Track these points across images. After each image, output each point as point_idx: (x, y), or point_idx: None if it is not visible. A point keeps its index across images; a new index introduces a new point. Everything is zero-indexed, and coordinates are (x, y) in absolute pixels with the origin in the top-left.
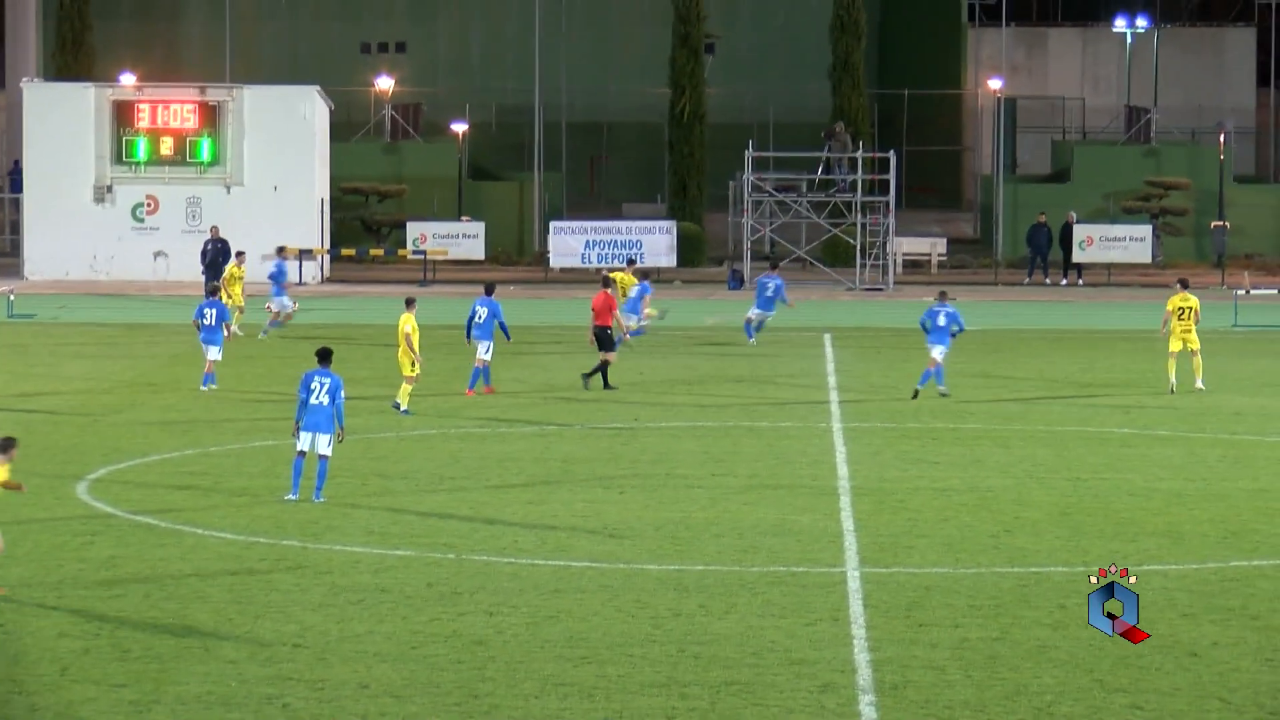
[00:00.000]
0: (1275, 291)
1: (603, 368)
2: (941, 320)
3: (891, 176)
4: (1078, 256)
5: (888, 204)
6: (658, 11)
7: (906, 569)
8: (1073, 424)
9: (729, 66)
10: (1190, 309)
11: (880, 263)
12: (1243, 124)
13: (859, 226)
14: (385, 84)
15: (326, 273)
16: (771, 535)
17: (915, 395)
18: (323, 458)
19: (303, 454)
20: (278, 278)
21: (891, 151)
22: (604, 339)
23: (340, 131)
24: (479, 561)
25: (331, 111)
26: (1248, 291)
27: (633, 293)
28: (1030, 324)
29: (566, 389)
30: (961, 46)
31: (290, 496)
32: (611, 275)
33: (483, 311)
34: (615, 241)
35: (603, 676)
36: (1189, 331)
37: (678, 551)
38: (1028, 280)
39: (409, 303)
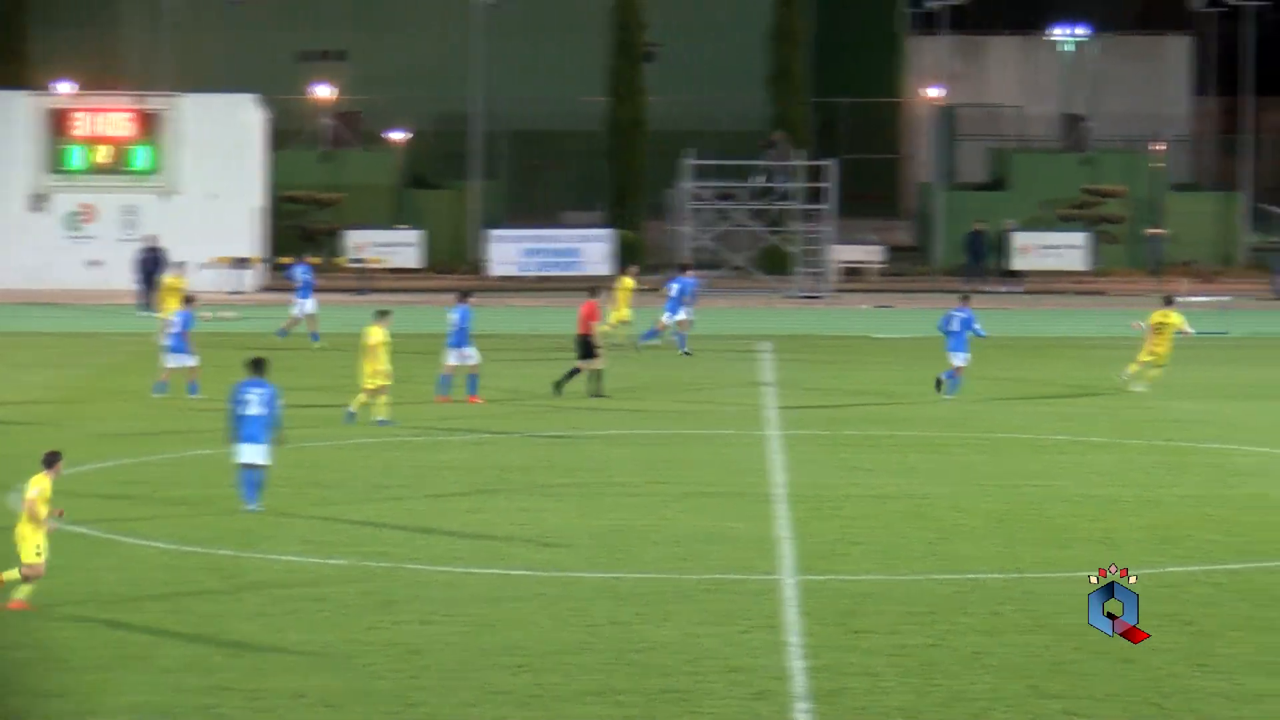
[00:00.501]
0: (1212, 299)
1: (574, 374)
2: (955, 325)
3: (830, 184)
4: (1015, 264)
5: (826, 212)
6: (598, 20)
7: (843, 576)
8: (1009, 430)
9: (669, 75)
10: (1169, 325)
11: (818, 270)
12: (1180, 132)
13: (797, 234)
14: (324, 92)
15: (264, 281)
16: (708, 543)
17: (939, 385)
18: (258, 468)
19: (244, 465)
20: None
21: (830, 160)
22: (585, 347)
23: (279, 140)
24: (415, 570)
25: (270, 120)
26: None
27: (672, 290)
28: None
29: (505, 397)
30: (900, 55)
31: (251, 507)
32: (624, 278)
33: (453, 318)
34: (553, 250)
35: (539, 685)
36: (1160, 347)
37: (615, 560)
38: (965, 288)
39: (380, 315)
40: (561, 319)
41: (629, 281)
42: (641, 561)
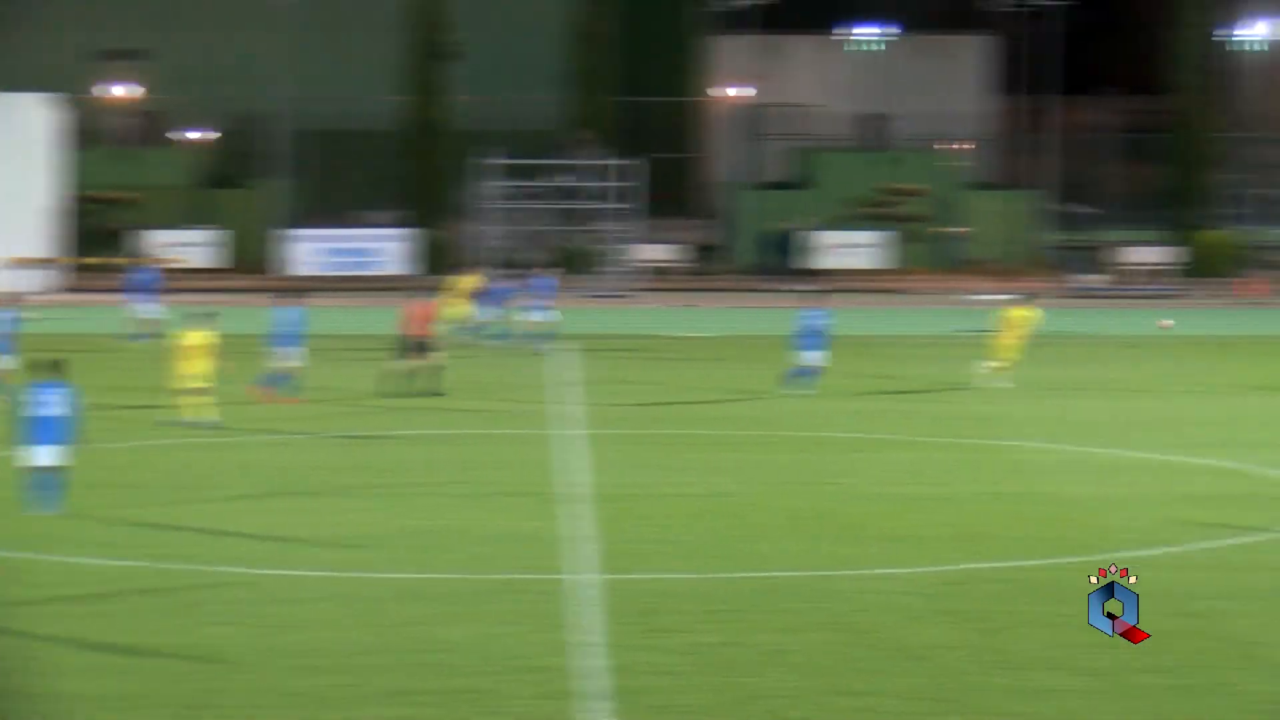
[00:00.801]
0: (1011, 298)
1: (418, 371)
2: (811, 325)
3: (635, 184)
4: (816, 262)
5: (631, 211)
6: (402, 20)
7: (645, 575)
8: (808, 429)
9: (473, 74)
10: (1024, 320)
11: (623, 270)
12: (979, 131)
13: (602, 234)
14: (125, 91)
15: (62, 281)
16: (511, 543)
17: (788, 382)
18: (55, 470)
19: (40, 468)
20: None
21: (634, 159)
22: (418, 346)
23: (78, 139)
24: (215, 572)
25: (69, 119)
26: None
27: (517, 292)
28: (769, 330)
29: (316, 398)
30: (704, 55)
31: (47, 510)
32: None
33: (283, 320)
34: (354, 250)
35: (336, 686)
36: (1013, 344)
37: (415, 560)
38: (767, 286)
39: (201, 318)
40: (363, 319)
41: (469, 280)
42: (443, 562)
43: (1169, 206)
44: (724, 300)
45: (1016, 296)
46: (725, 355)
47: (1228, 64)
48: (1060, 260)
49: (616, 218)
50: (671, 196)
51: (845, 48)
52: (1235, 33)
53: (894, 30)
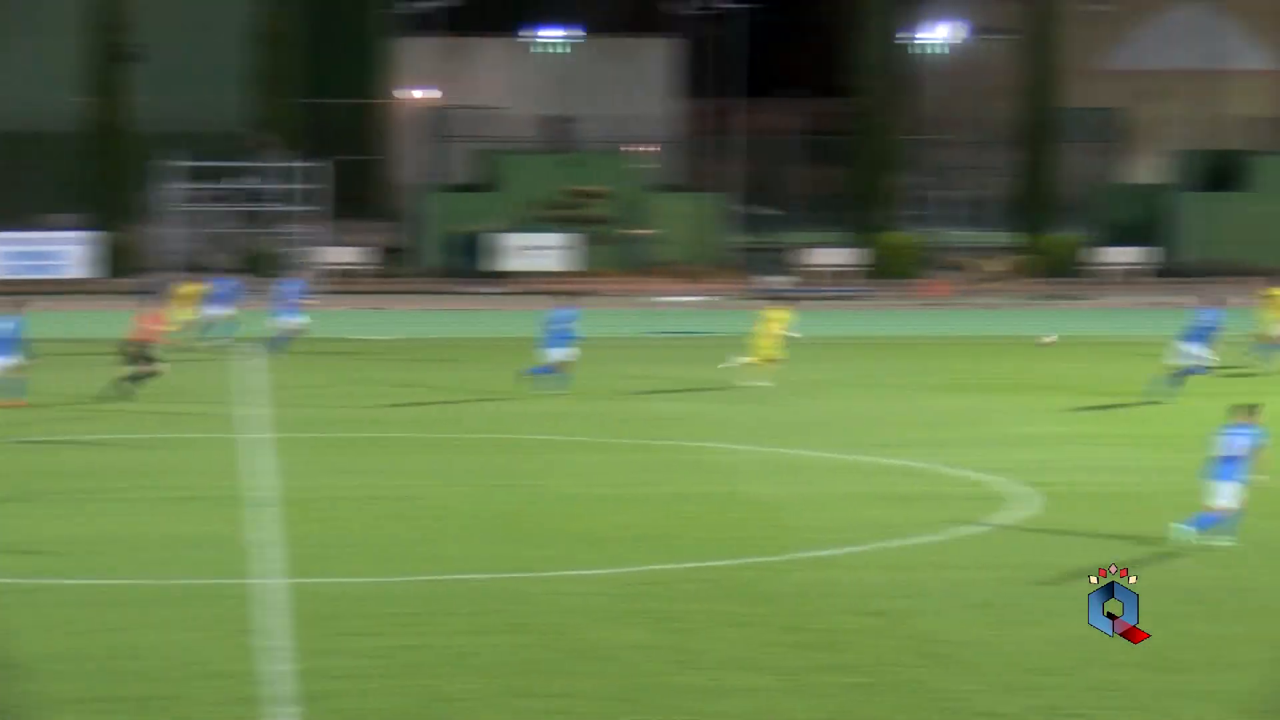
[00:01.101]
0: (696, 299)
1: (140, 376)
2: (558, 323)
3: (320, 186)
4: (503, 264)
5: (316, 213)
6: (81, 20)
7: (331, 579)
8: (494, 430)
9: (155, 75)
10: (779, 320)
11: (309, 273)
12: (665, 134)
13: (288, 236)
14: None
15: None
16: (197, 548)
17: (532, 379)
18: None
19: None
20: None
21: (320, 161)
22: (142, 353)
23: None
24: None
25: None
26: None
27: (280, 294)
28: (458, 332)
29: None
30: (389, 57)
31: None
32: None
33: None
34: (33, 253)
35: (24, 693)
36: (770, 343)
37: (102, 566)
38: (455, 289)
39: None
40: (41, 323)
41: (190, 288)
42: (130, 568)
43: (852, 208)
44: (411, 303)
45: (775, 295)
46: (418, 357)
47: (910, 67)
48: (746, 262)
49: (301, 220)
50: (358, 199)
51: (531, 50)
52: (917, 36)
53: (579, 33)
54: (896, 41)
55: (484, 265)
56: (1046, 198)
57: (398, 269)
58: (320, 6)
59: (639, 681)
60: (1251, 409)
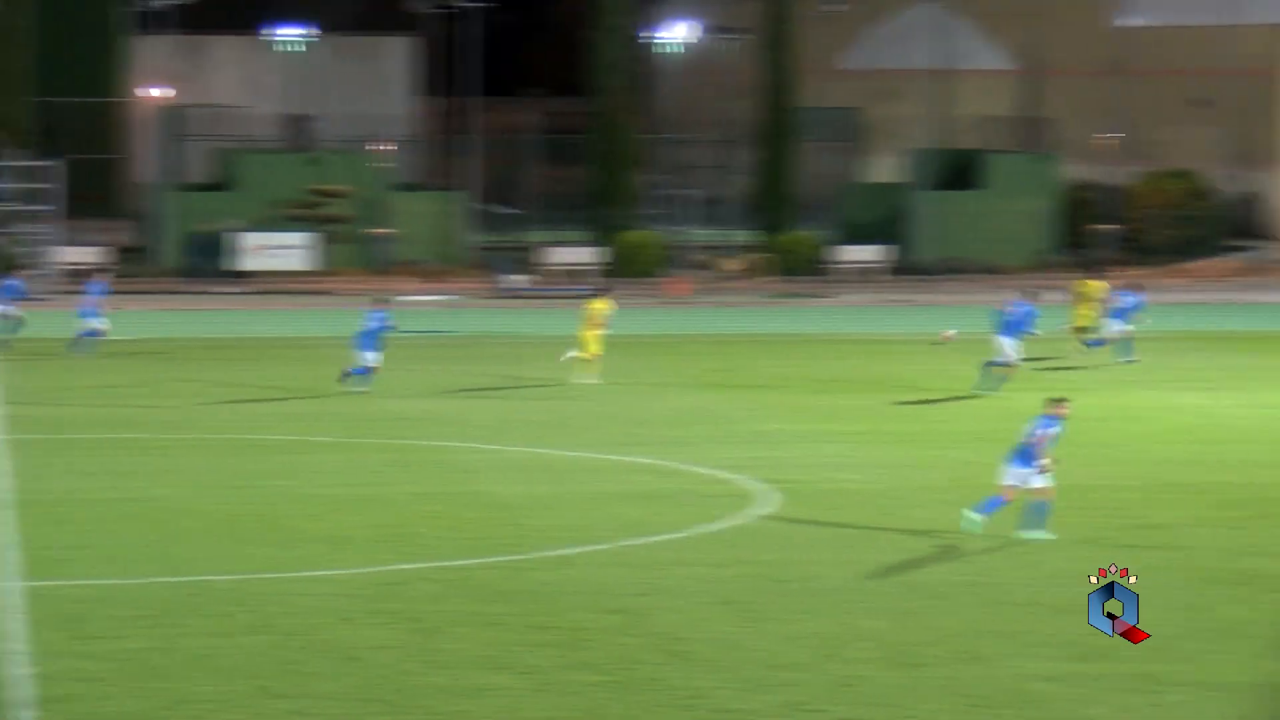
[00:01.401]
0: (438, 298)
1: None
2: (371, 324)
3: (52, 186)
4: (243, 264)
5: (49, 213)
6: None
7: (70, 582)
8: (235, 431)
9: None
10: (600, 312)
11: (42, 273)
12: (404, 132)
13: (19, 236)
14: None
15: None
16: None
17: (345, 378)
18: None
19: None
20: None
21: (52, 160)
22: None
23: None
24: None
25: None
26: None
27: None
28: (199, 332)
29: None
30: (124, 55)
31: None
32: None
33: None
34: None
35: None
36: (594, 336)
37: None
38: (195, 288)
39: None
40: None
41: None
42: None
43: (592, 207)
44: (146, 303)
45: (593, 289)
46: (151, 358)
47: (648, 66)
48: (487, 261)
49: (35, 220)
50: (94, 198)
51: (267, 48)
52: (656, 35)
53: (317, 31)
54: (634, 41)
55: (224, 265)
56: (785, 196)
57: (135, 269)
58: (55, 3)
59: (385, 682)
60: (1058, 401)
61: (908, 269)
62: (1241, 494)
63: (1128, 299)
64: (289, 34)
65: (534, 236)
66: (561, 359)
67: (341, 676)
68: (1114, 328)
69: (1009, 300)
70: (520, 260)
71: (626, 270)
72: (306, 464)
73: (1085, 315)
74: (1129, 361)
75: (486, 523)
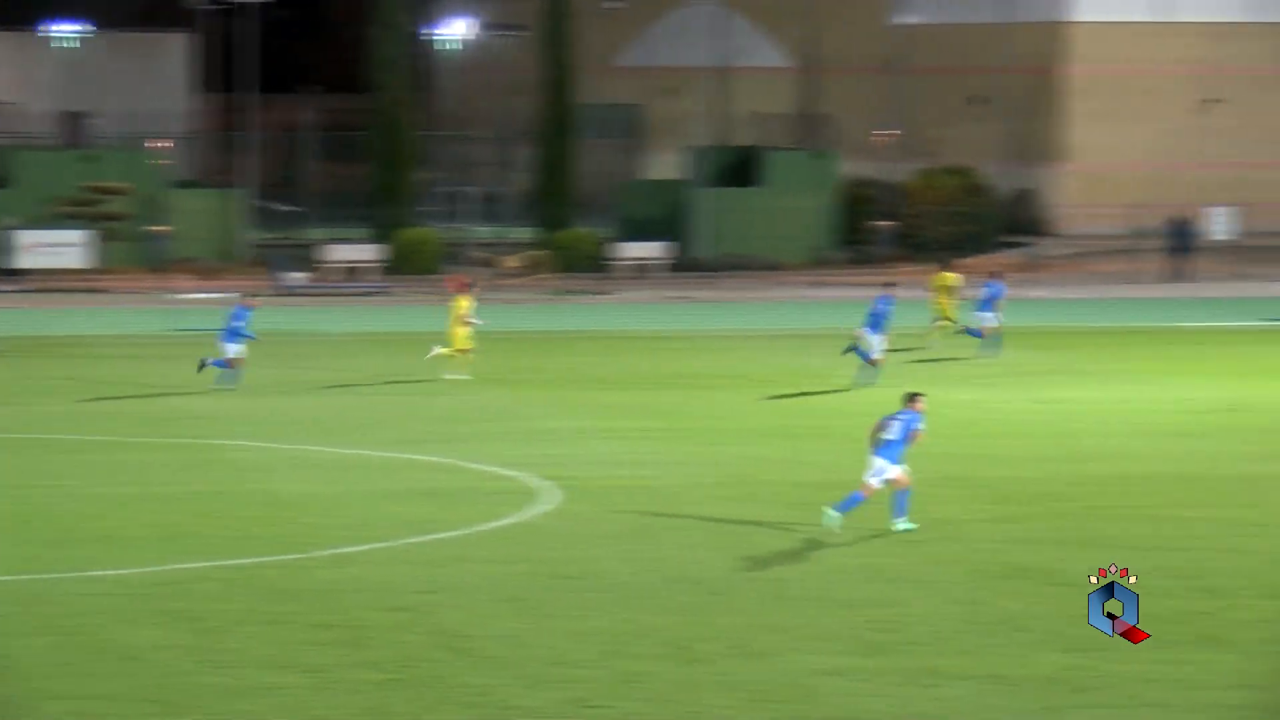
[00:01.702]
0: (215, 296)
1: None
2: (235, 320)
3: None
4: (19, 263)
5: None
6: None
7: None
8: (14, 431)
9: None
10: (463, 307)
11: None
12: (183, 129)
13: None
14: None
15: None
16: None
17: (201, 367)
18: None
19: None
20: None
21: None
22: None
23: None
24: None
25: None
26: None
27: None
28: None
29: None
30: None
31: None
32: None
33: None
34: None
35: None
36: (462, 333)
37: None
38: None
39: None
40: None
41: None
42: None
43: (372, 204)
44: None
45: (458, 284)
46: None
47: (428, 63)
48: (266, 258)
49: None
50: None
51: (41, 44)
52: (435, 32)
53: (94, 28)
54: (413, 38)
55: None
56: (565, 193)
57: None
58: None
59: (165, 681)
60: (914, 397)
61: (687, 266)
62: (1018, 488)
63: (991, 289)
64: (65, 30)
65: (313, 234)
66: (429, 356)
67: (121, 676)
68: (986, 319)
69: (876, 296)
70: (299, 258)
71: (406, 268)
72: (89, 463)
73: (944, 306)
74: (994, 356)
75: (269, 521)
